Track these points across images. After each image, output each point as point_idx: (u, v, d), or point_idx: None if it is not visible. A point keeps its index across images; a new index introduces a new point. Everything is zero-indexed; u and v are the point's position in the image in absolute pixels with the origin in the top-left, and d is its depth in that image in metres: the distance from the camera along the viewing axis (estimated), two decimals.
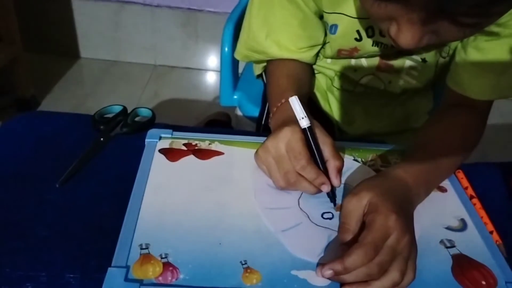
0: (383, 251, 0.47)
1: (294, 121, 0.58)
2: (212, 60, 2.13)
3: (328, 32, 0.73)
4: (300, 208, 0.57)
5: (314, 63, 0.82)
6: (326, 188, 0.57)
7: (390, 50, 0.73)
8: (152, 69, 2.12)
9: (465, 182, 0.66)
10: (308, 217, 0.56)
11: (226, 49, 1.10)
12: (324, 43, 0.77)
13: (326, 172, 0.57)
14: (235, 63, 1.15)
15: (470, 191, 0.65)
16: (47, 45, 2.08)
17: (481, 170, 0.71)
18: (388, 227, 0.49)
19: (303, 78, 0.76)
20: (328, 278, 0.48)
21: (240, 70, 1.23)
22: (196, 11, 1.98)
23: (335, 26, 0.71)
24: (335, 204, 0.58)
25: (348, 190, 0.61)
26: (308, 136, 0.57)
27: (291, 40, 0.73)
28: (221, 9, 1.93)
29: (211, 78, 2.13)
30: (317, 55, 0.78)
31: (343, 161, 0.58)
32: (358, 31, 0.70)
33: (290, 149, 0.56)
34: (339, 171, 0.58)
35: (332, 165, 0.57)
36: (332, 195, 0.58)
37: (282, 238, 0.53)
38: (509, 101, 2.09)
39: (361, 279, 0.47)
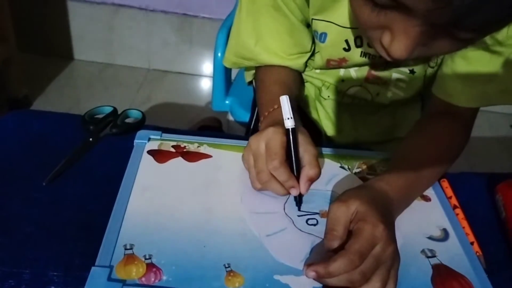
0: (367, 260, 0.48)
1: (280, 123, 0.58)
2: (206, 65, 2.14)
3: (317, 40, 0.74)
4: (286, 213, 0.58)
5: (303, 71, 0.83)
6: (294, 192, 0.57)
7: (378, 61, 0.74)
8: (145, 73, 2.12)
9: (450, 192, 0.67)
10: (293, 222, 0.57)
11: (219, 54, 1.11)
12: (313, 53, 0.78)
13: (298, 178, 0.58)
14: (228, 68, 1.16)
15: (454, 200, 0.65)
16: (41, 46, 2.08)
17: (467, 180, 0.72)
18: (375, 237, 0.49)
19: (293, 85, 0.76)
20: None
21: (233, 76, 1.24)
22: (191, 16, 1.99)
23: (324, 35, 0.71)
24: (299, 209, 0.59)
25: (334, 197, 0.62)
26: (289, 137, 0.57)
27: (280, 47, 0.73)
28: (216, 16, 1.94)
29: (204, 84, 2.14)
30: (306, 63, 0.79)
31: (318, 172, 0.58)
32: (346, 41, 0.71)
33: (268, 148, 0.56)
34: (310, 180, 0.57)
35: (305, 172, 0.57)
36: (298, 200, 0.59)
37: (266, 243, 0.53)
38: (498, 114, 2.13)
39: (342, 285, 0.48)
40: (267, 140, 0.57)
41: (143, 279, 0.47)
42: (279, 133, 0.57)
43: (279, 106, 0.65)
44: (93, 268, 0.47)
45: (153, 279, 0.47)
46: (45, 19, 2.02)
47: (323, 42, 0.72)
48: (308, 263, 0.49)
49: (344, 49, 0.72)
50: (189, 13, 1.98)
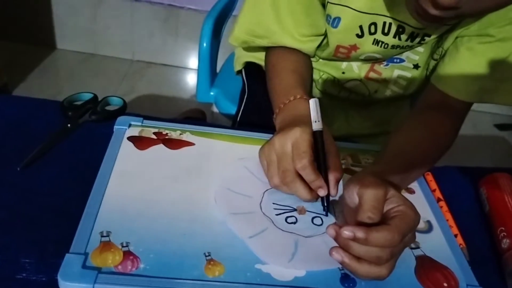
0: (401, 244, 0.48)
1: (304, 121, 0.57)
2: (191, 58, 2.12)
3: (329, 26, 0.72)
4: (263, 213, 0.56)
5: (313, 57, 0.81)
6: (322, 192, 0.55)
7: (389, 52, 0.74)
8: (129, 64, 2.09)
9: (433, 185, 0.67)
10: (273, 222, 0.55)
11: (205, 44, 1.09)
12: (323, 38, 0.77)
13: (325, 180, 0.56)
14: (213, 59, 1.14)
15: (438, 193, 0.65)
16: (23, 35, 2.03)
17: (450, 173, 0.72)
18: (415, 224, 0.49)
19: (306, 74, 0.75)
20: (335, 241, 0.49)
21: (219, 67, 1.22)
22: (177, 7, 1.95)
23: (338, 19, 0.70)
24: (327, 214, 0.57)
25: None
26: (318, 139, 0.56)
27: (295, 26, 0.72)
28: (202, 7, 1.92)
29: (189, 77, 2.11)
30: (317, 49, 0.78)
31: (342, 174, 0.57)
32: (360, 27, 0.70)
33: (296, 148, 0.55)
34: (337, 182, 0.56)
35: (333, 174, 0.56)
36: (326, 202, 0.56)
37: (250, 244, 0.51)
38: (482, 113, 2.15)
39: (367, 258, 0.47)
40: (295, 140, 0.56)
41: (120, 267, 0.45)
42: (308, 134, 0.56)
43: (295, 98, 0.64)
44: (67, 255, 0.45)
45: (130, 267, 0.46)
46: (26, 7, 1.98)
47: (336, 27, 0.71)
48: (339, 225, 0.48)
49: (357, 35, 0.71)
50: (175, 4, 1.95)
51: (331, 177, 0.56)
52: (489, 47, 0.66)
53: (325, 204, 0.56)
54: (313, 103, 0.58)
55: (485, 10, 0.57)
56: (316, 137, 0.56)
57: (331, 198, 0.56)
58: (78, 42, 2.07)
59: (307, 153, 0.55)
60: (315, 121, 0.57)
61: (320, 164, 0.56)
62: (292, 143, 0.56)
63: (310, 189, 0.56)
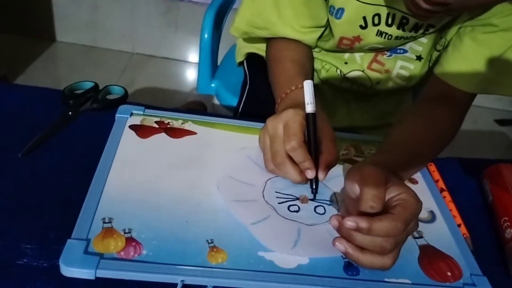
0: (403, 233, 0.47)
1: (300, 106, 0.57)
2: (191, 51, 2.11)
3: (333, 17, 0.71)
4: (266, 201, 0.56)
5: (314, 48, 0.80)
6: (310, 174, 0.54)
7: (392, 43, 0.73)
8: (129, 57, 2.08)
9: (437, 175, 0.66)
10: (275, 210, 0.55)
11: (206, 36, 1.08)
12: (325, 29, 0.76)
13: (316, 164, 0.55)
14: (214, 50, 1.14)
15: (441, 184, 0.65)
16: (23, 27, 2.02)
17: (453, 165, 0.72)
18: (417, 211, 0.49)
19: (307, 64, 0.75)
20: (338, 231, 0.49)
21: (219, 60, 1.22)
22: (177, 0, 1.95)
23: (341, 10, 0.69)
24: (315, 196, 0.56)
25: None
26: (309, 122, 0.55)
27: (295, 18, 0.71)
28: (202, 0, 1.91)
29: (189, 70, 2.10)
30: (318, 40, 0.77)
31: (336, 159, 0.56)
32: (364, 18, 0.69)
33: (286, 129, 0.55)
34: (328, 167, 0.56)
35: (324, 158, 0.55)
36: (314, 188, 0.56)
37: (253, 231, 0.51)
38: (482, 108, 2.15)
39: (371, 248, 0.46)
40: (286, 122, 0.55)
41: (122, 253, 0.45)
42: (299, 115, 0.55)
43: (296, 88, 0.64)
44: (68, 240, 0.45)
45: (132, 253, 0.45)
46: None
47: (339, 18, 0.71)
48: (341, 215, 0.48)
49: (361, 26, 0.71)
50: None
51: (322, 161, 0.55)
52: (493, 37, 0.65)
53: (313, 187, 0.55)
54: (307, 85, 0.56)
55: (472, 5, 0.56)
56: (308, 119, 0.55)
57: (333, 189, 0.56)
58: (78, 34, 2.06)
59: (296, 135, 0.54)
60: (308, 103, 0.56)
61: (312, 146, 0.55)
62: (284, 124, 0.55)
63: (300, 171, 0.55)
